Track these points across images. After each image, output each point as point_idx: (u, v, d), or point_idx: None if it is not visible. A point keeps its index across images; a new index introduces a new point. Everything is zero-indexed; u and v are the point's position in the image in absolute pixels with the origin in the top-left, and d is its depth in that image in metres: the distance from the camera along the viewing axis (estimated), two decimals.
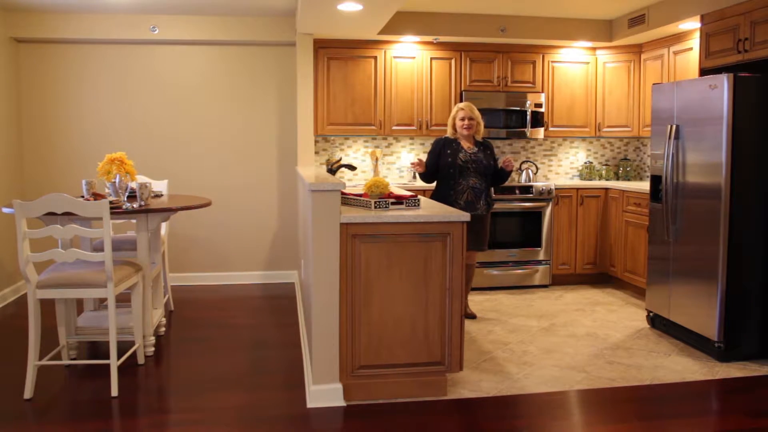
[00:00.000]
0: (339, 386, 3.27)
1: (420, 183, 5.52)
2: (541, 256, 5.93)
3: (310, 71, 5.70)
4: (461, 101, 5.64)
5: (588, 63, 6.28)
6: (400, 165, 6.39)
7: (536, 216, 5.91)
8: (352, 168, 6.09)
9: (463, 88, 6.06)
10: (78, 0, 5.26)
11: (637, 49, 6.07)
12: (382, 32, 5.61)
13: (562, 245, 5.99)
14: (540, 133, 6.18)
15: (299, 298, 5.34)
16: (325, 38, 5.81)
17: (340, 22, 5.05)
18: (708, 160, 4.05)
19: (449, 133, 4.74)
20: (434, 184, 4.77)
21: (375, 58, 5.95)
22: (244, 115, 6.09)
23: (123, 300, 3.82)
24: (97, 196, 3.90)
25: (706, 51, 4.74)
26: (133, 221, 4.19)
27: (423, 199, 3.97)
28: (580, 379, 3.67)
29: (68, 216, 3.45)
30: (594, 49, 6.25)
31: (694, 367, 3.87)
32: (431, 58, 6.03)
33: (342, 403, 3.27)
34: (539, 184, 5.93)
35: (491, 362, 3.94)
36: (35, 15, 5.61)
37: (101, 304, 4.37)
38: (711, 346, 4.03)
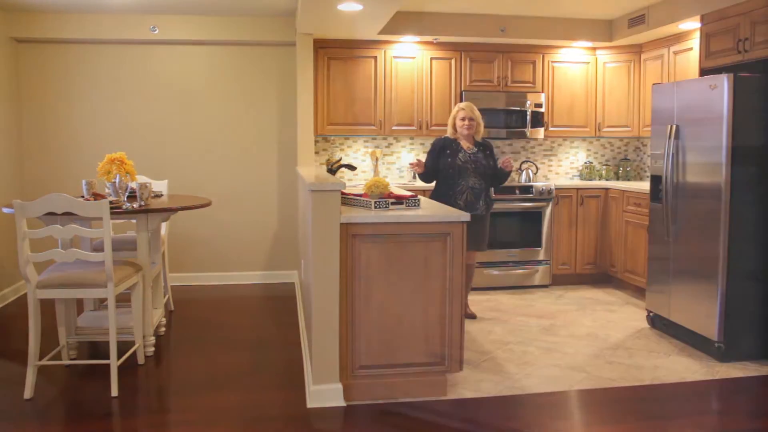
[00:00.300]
0: (339, 386, 3.27)
1: (420, 183, 5.52)
2: (541, 256, 5.93)
3: (310, 71, 5.69)
4: (461, 101, 5.64)
5: (588, 63, 6.28)
6: (400, 165, 6.39)
7: (536, 216, 5.91)
8: (352, 168, 6.09)
9: (463, 88, 6.06)
10: (78, 0, 5.26)
11: (637, 49, 6.06)
12: (382, 32, 5.61)
13: (562, 245, 5.99)
14: (540, 133, 6.18)
15: (299, 298, 5.34)
16: (325, 38, 5.81)
17: (340, 22, 5.05)
18: (708, 160, 4.05)
19: (449, 133, 4.73)
20: (434, 184, 4.77)
21: (375, 58, 5.95)
22: (244, 115, 6.08)
23: (123, 300, 3.82)
24: (97, 196, 3.90)
25: (706, 51, 4.74)
26: (133, 221, 4.19)
27: (423, 199, 3.97)
28: (580, 379, 3.67)
29: (68, 216, 3.45)
30: (594, 49, 6.25)
31: (694, 367, 3.87)
32: (431, 58, 6.03)
33: (342, 403, 3.27)
34: (539, 184, 5.93)
35: (491, 362, 3.93)
36: (35, 15, 5.61)
37: (101, 304, 4.36)
38: (711, 346, 4.03)
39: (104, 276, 3.36)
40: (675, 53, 5.46)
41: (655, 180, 4.57)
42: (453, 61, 6.05)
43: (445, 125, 4.94)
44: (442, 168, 4.61)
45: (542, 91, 6.18)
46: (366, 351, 3.29)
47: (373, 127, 5.99)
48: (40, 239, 3.53)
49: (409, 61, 6.00)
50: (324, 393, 3.26)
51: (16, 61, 5.73)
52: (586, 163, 6.65)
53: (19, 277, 5.46)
